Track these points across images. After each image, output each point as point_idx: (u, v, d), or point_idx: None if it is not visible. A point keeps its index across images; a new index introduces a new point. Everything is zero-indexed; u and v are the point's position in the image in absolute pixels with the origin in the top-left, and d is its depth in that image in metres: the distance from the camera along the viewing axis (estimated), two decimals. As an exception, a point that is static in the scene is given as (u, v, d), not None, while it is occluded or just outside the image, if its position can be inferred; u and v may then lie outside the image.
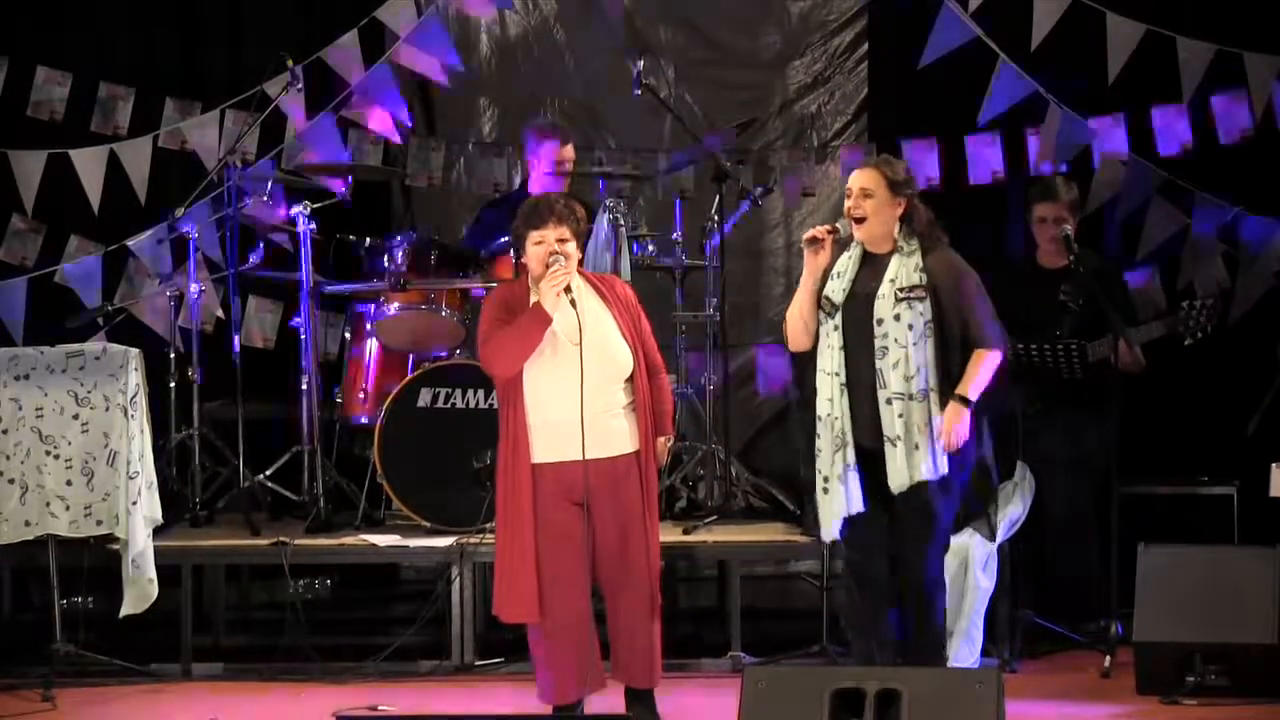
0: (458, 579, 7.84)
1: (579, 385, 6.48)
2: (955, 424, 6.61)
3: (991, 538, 7.25)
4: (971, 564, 7.42)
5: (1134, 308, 8.36)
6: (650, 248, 8.69)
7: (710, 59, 9.89)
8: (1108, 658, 7.53)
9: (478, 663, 7.85)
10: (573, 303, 6.53)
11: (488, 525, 7.82)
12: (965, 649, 7.40)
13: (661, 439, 6.76)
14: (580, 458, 6.51)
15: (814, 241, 6.69)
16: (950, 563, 7.20)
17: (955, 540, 7.18)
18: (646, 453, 6.67)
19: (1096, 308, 7.79)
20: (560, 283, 6.53)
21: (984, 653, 7.49)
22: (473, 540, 7.84)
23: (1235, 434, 8.04)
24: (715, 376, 8.54)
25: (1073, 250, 7.88)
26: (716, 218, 8.50)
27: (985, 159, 9.33)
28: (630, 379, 6.65)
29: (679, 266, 8.63)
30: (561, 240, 6.59)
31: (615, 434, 6.61)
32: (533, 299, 6.62)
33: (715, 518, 8.23)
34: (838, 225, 6.74)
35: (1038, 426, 7.86)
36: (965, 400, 6.63)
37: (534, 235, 6.62)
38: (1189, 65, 8.99)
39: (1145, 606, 7.26)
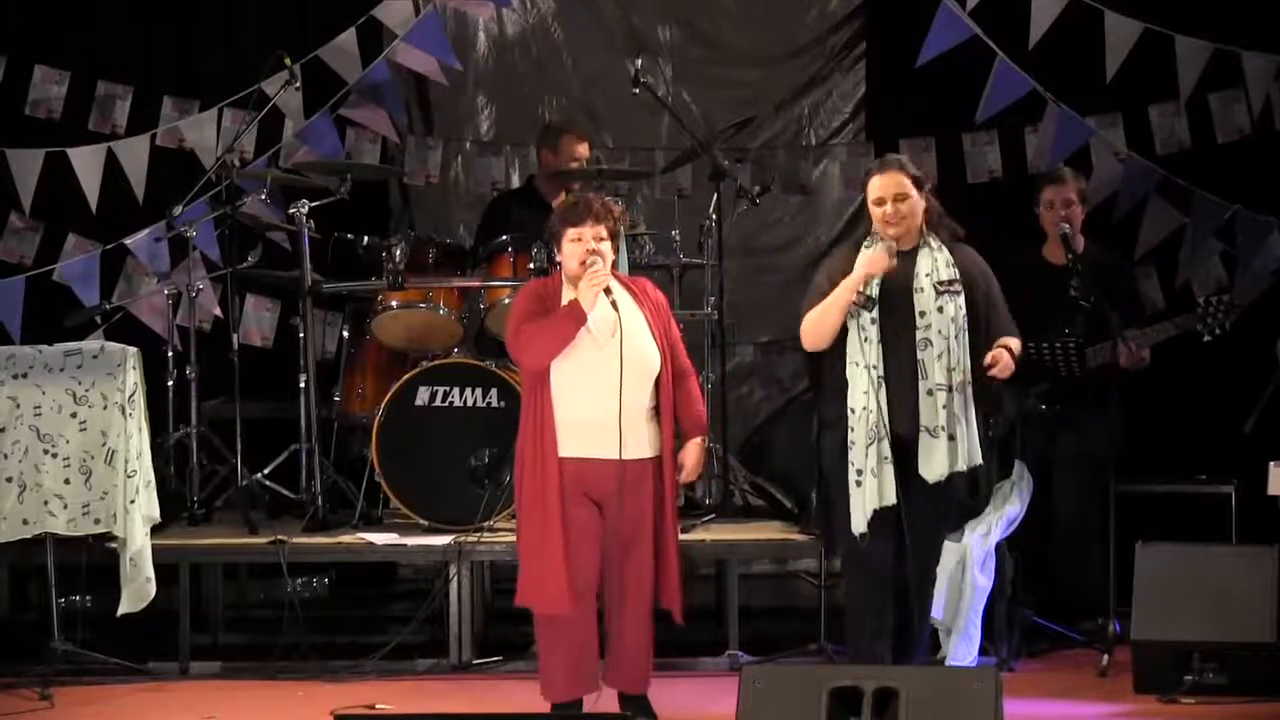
0: (455, 577, 7.84)
1: (608, 383, 6.50)
2: (1010, 359, 6.72)
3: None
4: (970, 563, 7.42)
5: (1141, 303, 8.36)
6: (648, 246, 8.69)
7: (708, 57, 9.89)
8: (1105, 656, 7.54)
9: (476, 661, 7.85)
10: (614, 304, 6.55)
11: (485, 524, 7.84)
12: (963, 648, 7.40)
13: (697, 439, 6.76)
14: (601, 456, 6.53)
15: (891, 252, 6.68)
16: (949, 561, 7.22)
17: (954, 539, 7.19)
18: (667, 459, 6.67)
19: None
20: (601, 282, 6.54)
21: (982, 651, 7.50)
22: (470, 539, 7.84)
23: (1233, 433, 8.03)
24: (713, 375, 8.54)
25: (1070, 250, 7.88)
26: (714, 216, 8.50)
27: (983, 157, 9.34)
28: (657, 382, 6.66)
29: (677, 265, 8.63)
30: (599, 239, 6.61)
31: (638, 437, 6.61)
32: (565, 295, 6.63)
33: (713, 516, 8.24)
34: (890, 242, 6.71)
35: (1044, 425, 7.87)
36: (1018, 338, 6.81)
37: (572, 233, 6.63)
38: (1187, 64, 8.99)
39: (1143, 605, 7.26)
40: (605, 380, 6.52)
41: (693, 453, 6.76)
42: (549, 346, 6.57)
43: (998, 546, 7.55)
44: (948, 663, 7.33)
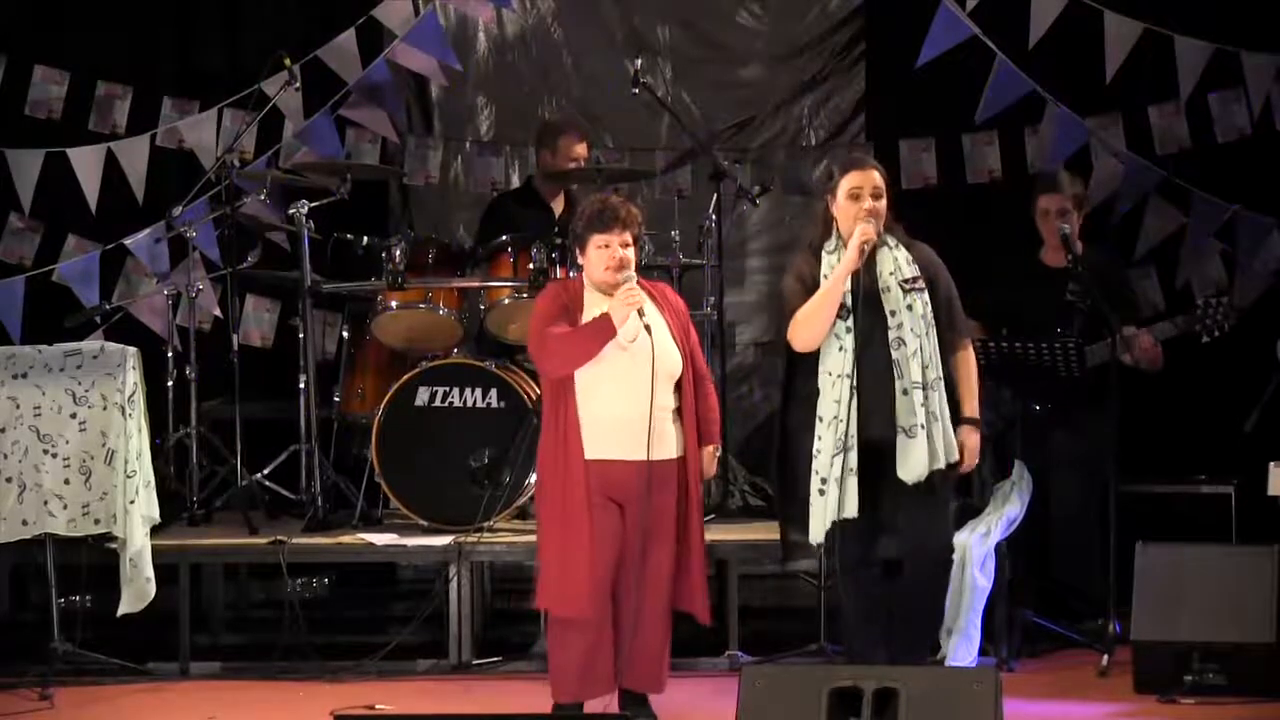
0: (455, 578, 7.84)
1: (637, 385, 6.48)
2: (975, 448, 6.76)
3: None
4: (969, 563, 7.42)
5: (1138, 305, 8.36)
6: (648, 246, 8.68)
7: (707, 57, 9.89)
8: (1105, 656, 7.53)
9: (475, 661, 7.85)
10: (647, 328, 6.50)
11: (485, 524, 7.85)
12: (963, 648, 7.39)
13: (710, 447, 6.77)
14: (628, 457, 6.52)
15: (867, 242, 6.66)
16: (948, 561, 7.22)
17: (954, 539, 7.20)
18: (692, 459, 6.67)
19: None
20: (636, 302, 6.50)
21: (982, 651, 7.49)
22: (470, 539, 7.84)
23: (1233, 433, 8.04)
24: (713, 375, 8.52)
25: (1071, 250, 7.88)
26: (714, 216, 8.50)
27: (983, 157, 9.34)
28: (678, 385, 6.65)
29: (677, 265, 8.62)
30: (625, 245, 6.59)
31: (664, 438, 6.60)
32: (588, 300, 6.61)
33: (713, 516, 8.22)
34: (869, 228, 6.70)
35: (1043, 426, 7.87)
36: (978, 423, 6.77)
37: (598, 239, 6.60)
38: (1187, 64, 8.99)
39: (1143, 605, 7.25)
40: (634, 382, 6.51)
41: (706, 461, 6.77)
42: (574, 360, 6.55)
43: (998, 546, 7.55)
44: (948, 663, 7.33)
